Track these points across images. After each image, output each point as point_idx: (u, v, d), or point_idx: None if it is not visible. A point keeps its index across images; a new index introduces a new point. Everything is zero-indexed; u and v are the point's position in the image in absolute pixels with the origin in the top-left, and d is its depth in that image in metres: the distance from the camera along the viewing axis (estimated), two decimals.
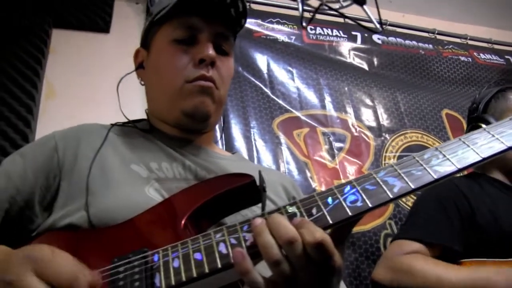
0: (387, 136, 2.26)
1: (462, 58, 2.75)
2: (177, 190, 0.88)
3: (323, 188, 1.85)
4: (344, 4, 0.83)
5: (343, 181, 1.49)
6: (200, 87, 1.00)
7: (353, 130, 2.24)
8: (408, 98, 2.41)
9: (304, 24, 0.82)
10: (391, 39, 2.65)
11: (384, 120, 2.31)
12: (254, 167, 1.27)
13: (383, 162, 2.17)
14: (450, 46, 2.79)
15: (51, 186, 0.92)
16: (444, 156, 0.75)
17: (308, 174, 2.02)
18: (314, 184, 2.00)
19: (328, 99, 2.29)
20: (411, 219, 1.58)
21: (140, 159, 0.97)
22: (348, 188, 0.74)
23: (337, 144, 2.16)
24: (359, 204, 0.71)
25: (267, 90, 2.19)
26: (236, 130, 2.01)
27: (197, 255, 0.70)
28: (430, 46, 2.73)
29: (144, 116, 1.15)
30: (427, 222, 1.51)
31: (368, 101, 2.35)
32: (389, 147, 2.23)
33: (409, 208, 1.84)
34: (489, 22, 3.04)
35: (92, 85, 2.05)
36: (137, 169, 0.95)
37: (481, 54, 2.83)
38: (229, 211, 0.89)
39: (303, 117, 2.19)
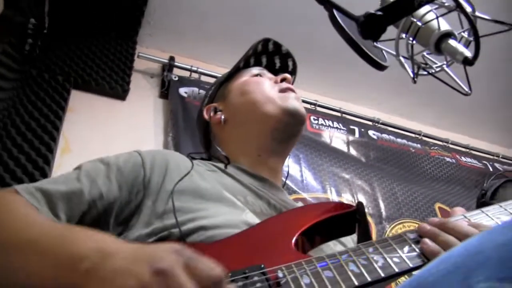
0: (386, 224, 2.33)
1: (447, 159, 2.96)
2: None
3: None
4: (437, 69, 0.92)
5: None
6: (295, 94, 1.13)
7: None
8: (404, 190, 2.54)
9: (415, 79, 0.91)
10: (384, 135, 2.84)
11: (384, 208, 2.39)
12: None
13: None
14: (436, 147, 3.01)
15: (131, 201, 0.89)
16: None
17: None
18: None
19: (330, 185, 2.36)
20: None
21: (228, 190, 0.98)
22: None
23: None
24: None
25: None
26: None
27: (328, 273, 0.71)
28: (419, 145, 2.94)
29: None
30: None
31: (368, 189, 2.44)
32: (389, 235, 2.29)
33: None
34: (468, 132, 3.33)
35: (104, 146, 2.04)
36: (229, 196, 0.95)
37: (462, 157, 3.06)
38: (326, 238, 0.90)
39: (309, 199, 2.23)
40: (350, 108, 2.87)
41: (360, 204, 0.89)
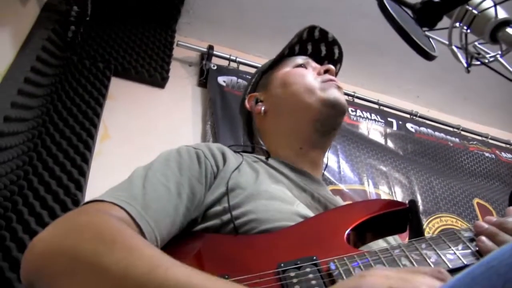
0: (423, 217, 2.29)
1: (487, 154, 2.89)
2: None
3: None
4: (491, 59, 0.89)
5: None
6: (336, 85, 1.11)
7: None
8: (442, 184, 2.49)
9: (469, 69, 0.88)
10: (422, 129, 2.79)
11: (421, 202, 2.35)
12: None
13: None
14: (475, 142, 2.94)
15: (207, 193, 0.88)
16: None
17: None
18: None
19: (368, 176, 2.34)
20: None
21: (275, 182, 0.97)
22: None
23: None
24: None
25: None
26: None
27: (380, 267, 0.70)
28: (457, 140, 2.88)
29: None
30: None
31: (405, 182, 2.41)
32: (426, 228, 2.25)
33: None
34: (508, 127, 3.24)
35: (143, 133, 2.07)
36: (279, 187, 0.94)
37: (503, 153, 2.98)
38: (376, 236, 0.89)
39: (346, 190, 2.22)
40: (388, 101, 2.83)
41: (412, 202, 0.86)
